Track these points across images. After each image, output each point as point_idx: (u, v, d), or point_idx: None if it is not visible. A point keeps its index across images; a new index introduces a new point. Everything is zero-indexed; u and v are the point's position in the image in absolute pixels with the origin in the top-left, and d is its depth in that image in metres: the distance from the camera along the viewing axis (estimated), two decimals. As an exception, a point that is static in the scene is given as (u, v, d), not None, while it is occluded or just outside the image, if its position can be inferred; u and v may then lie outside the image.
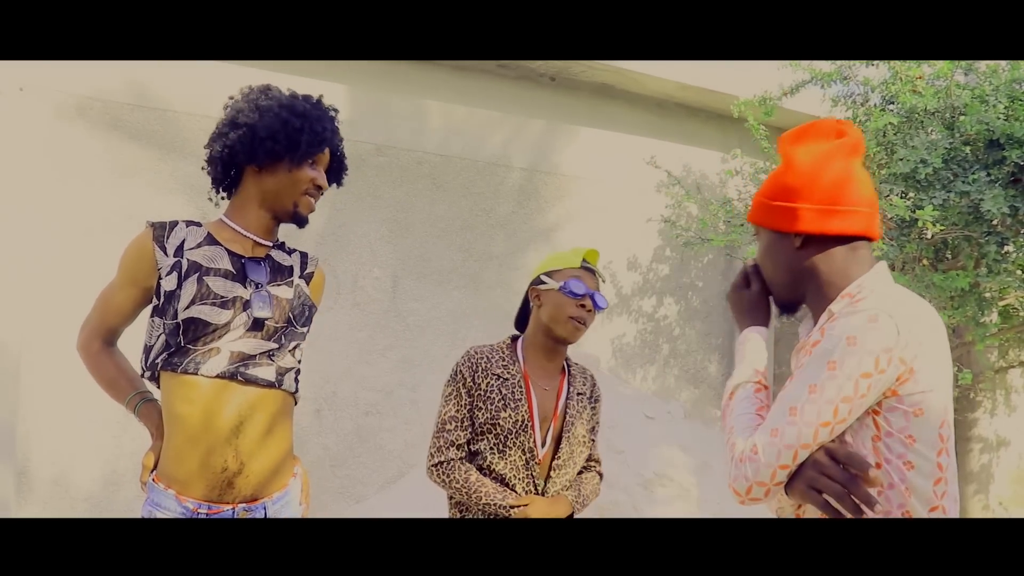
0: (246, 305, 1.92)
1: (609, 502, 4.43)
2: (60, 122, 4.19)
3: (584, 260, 2.42)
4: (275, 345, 1.94)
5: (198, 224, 2.01)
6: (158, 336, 1.92)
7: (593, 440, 2.51)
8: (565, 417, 2.39)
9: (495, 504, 2.27)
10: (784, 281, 1.61)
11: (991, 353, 6.45)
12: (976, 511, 6.33)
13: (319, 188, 2.02)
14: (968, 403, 6.30)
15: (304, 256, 2.13)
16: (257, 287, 1.94)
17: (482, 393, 2.33)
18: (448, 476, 2.31)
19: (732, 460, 1.49)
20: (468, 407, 2.35)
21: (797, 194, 1.53)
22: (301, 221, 2.04)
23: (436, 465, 2.33)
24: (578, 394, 2.46)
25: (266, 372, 1.91)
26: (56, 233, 4.16)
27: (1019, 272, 4.83)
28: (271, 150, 1.94)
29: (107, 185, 4.28)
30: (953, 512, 1.48)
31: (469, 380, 2.35)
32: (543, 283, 2.40)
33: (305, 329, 2.03)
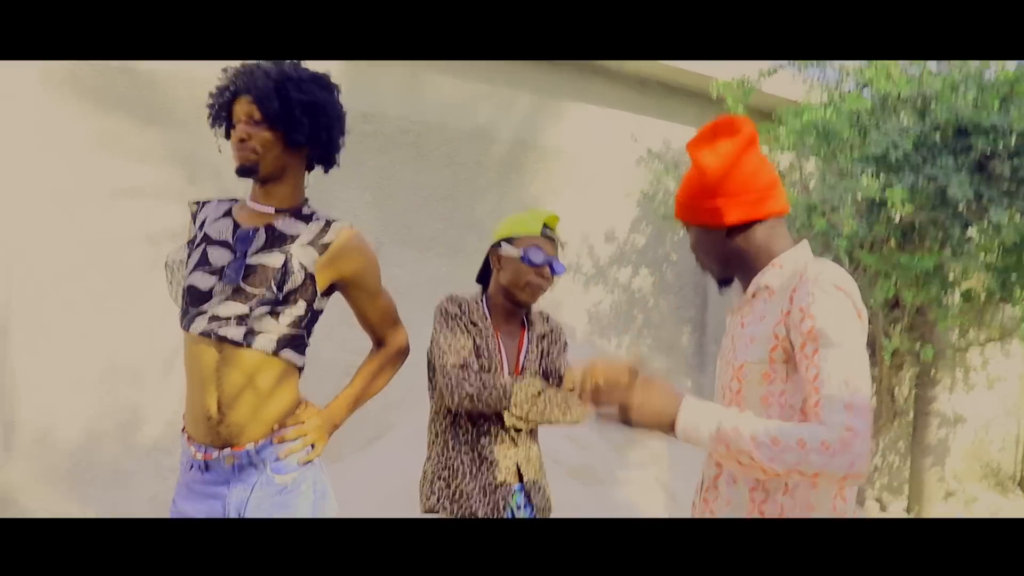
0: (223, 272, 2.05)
1: (582, 465, 4.59)
2: (47, 87, 4.20)
3: (544, 226, 2.46)
4: (246, 309, 2.03)
5: (234, 200, 2.18)
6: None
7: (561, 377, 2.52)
8: (523, 371, 2.47)
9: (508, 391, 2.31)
10: (718, 266, 1.81)
11: (952, 332, 6.67)
12: (932, 483, 6.58)
13: (240, 140, 2.03)
14: (929, 380, 6.51)
15: (326, 224, 2.18)
16: (236, 255, 2.05)
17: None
18: (482, 383, 2.31)
19: (831, 452, 1.46)
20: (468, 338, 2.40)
21: (716, 192, 1.72)
22: (241, 171, 2.06)
23: (458, 376, 2.32)
24: (539, 337, 2.53)
25: (235, 332, 2.02)
26: (42, 195, 4.19)
27: (982, 255, 5.01)
28: (211, 126, 2.12)
29: (93, 151, 4.31)
30: None
31: (464, 318, 2.43)
32: (503, 249, 2.45)
33: (281, 294, 2.05)
